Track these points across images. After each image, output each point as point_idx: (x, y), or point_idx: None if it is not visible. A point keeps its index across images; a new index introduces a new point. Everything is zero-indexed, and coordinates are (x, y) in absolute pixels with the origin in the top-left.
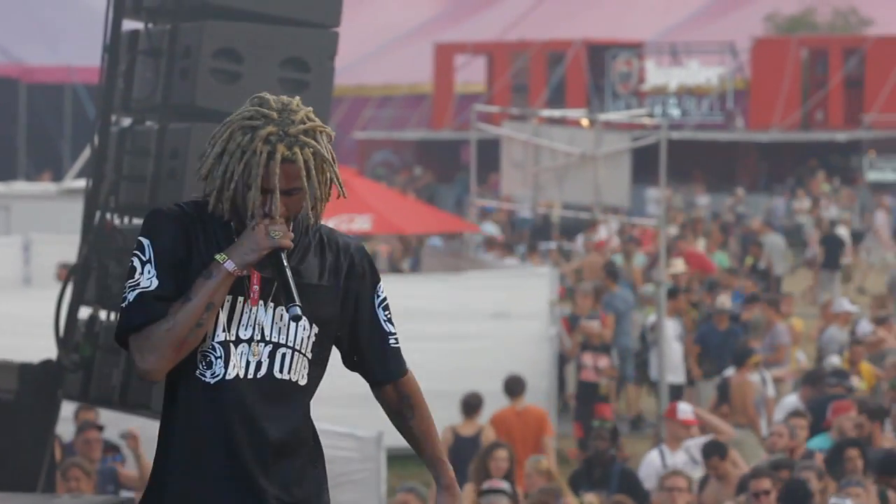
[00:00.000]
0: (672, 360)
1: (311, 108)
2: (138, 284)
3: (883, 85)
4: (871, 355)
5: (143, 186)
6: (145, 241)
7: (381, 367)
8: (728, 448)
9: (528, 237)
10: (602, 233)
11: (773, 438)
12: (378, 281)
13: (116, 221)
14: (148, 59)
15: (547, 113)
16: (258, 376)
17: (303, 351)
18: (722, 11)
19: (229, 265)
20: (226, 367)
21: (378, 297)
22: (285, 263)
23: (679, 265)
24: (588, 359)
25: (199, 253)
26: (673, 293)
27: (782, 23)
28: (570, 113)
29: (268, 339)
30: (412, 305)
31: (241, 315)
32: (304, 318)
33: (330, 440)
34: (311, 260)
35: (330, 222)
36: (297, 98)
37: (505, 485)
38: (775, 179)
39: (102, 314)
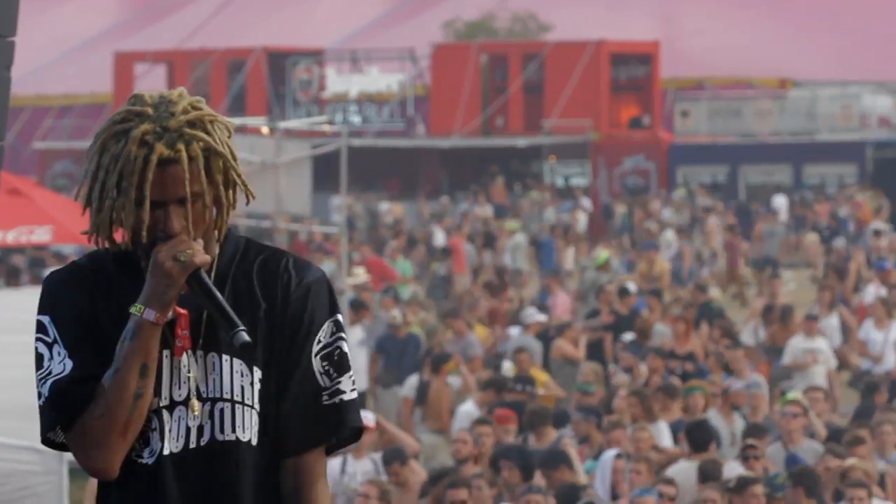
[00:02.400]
0: (354, 368)
1: (199, 98)
2: (49, 373)
3: (562, 90)
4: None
5: None
6: (44, 319)
7: (292, 433)
8: (408, 455)
9: None
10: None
11: (457, 445)
12: (331, 316)
13: None
14: None
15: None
16: (201, 444)
17: (247, 402)
18: (401, 18)
19: (149, 314)
20: (162, 441)
21: (320, 341)
22: (209, 284)
23: (360, 274)
24: None
25: (112, 315)
26: (357, 303)
27: (462, 29)
28: (251, 121)
29: (204, 394)
30: None
31: (172, 372)
32: (241, 364)
33: (10, 454)
34: (241, 287)
35: (9, 235)
36: (182, 88)
37: None
38: (457, 186)
39: None
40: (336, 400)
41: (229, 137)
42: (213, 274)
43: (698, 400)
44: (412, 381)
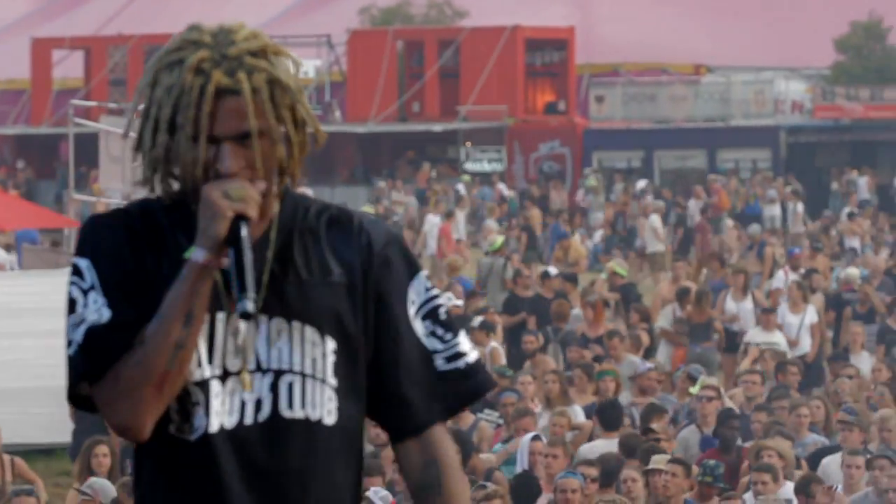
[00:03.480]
0: None
1: (259, 30)
2: (83, 320)
3: (478, 76)
4: None
5: None
6: (82, 263)
7: (413, 410)
8: None
9: None
10: None
11: (377, 430)
12: (416, 273)
13: None
14: None
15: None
16: (259, 420)
17: (319, 376)
18: (317, 4)
19: (197, 255)
20: (208, 417)
21: (414, 300)
22: (245, 236)
23: None
24: None
25: (160, 268)
26: None
27: (378, 15)
28: None
29: (265, 365)
30: (13, 302)
31: (225, 338)
32: (313, 332)
33: None
34: (309, 246)
35: None
36: (241, 22)
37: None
38: (373, 171)
39: None
40: (460, 364)
41: (295, 74)
42: (273, 230)
43: (609, 384)
44: None
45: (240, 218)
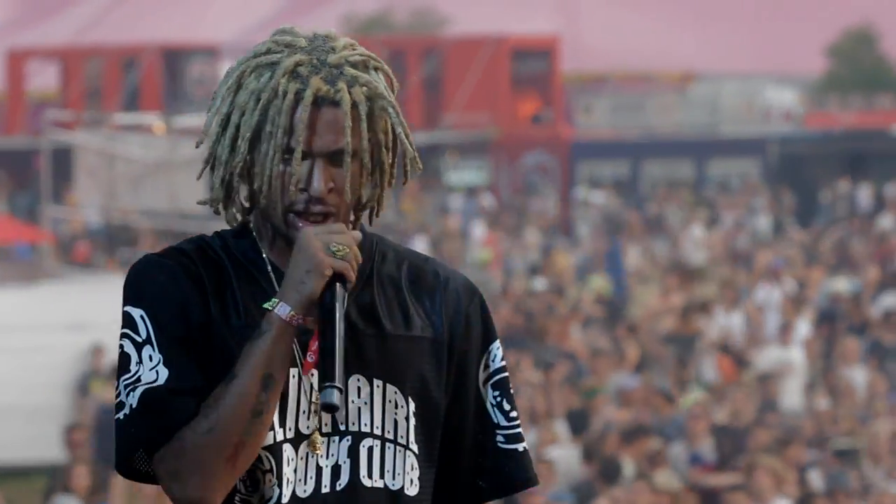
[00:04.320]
0: None
1: (355, 41)
2: (138, 380)
3: (461, 85)
4: None
5: None
6: (136, 312)
7: (462, 480)
8: None
9: (103, 246)
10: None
11: None
12: (493, 339)
13: None
14: None
15: (121, 119)
16: (337, 489)
17: (402, 441)
18: (298, 12)
19: (283, 310)
20: (281, 486)
21: (488, 366)
22: (338, 305)
23: None
24: None
25: (226, 316)
26: None
27: (360, 23)
28: (145, 119)
29: (343, 427)
30: None
31: (299, 396)
32: (395, 392)
33: None
34: (391, 297)
35: None
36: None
37: None
38: None
39: None
40: (518, 447)
41: (394, 94)
42: (360, 276)
43: (597, 403)
44: None
45: (336, 278)
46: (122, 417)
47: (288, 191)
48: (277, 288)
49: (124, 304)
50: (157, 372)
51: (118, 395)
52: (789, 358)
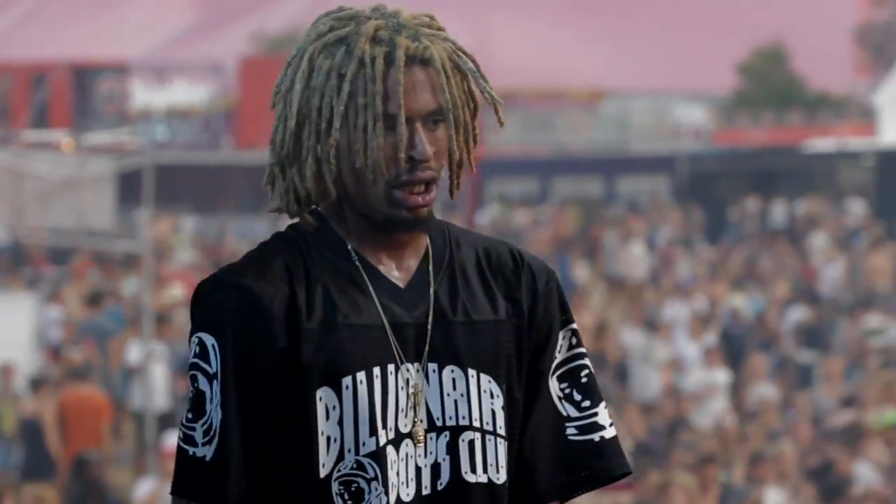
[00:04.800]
0: (155, 385)
1: None
2: (210, 427)
3: None
4: None
5: None
6: (209, 340)
7: (538, 477)
8: None
9: (9, 265)
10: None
11: None
12: (569, 322)
13: None
14: None
15: (30, 136)
16: (438, 489)
17: (499, 431)
18: (208, 30)
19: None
20: (387, 493)
21: (559, 352)
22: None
23: (177, 289)
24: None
25: (324, 311)
26: (161, 318)
27: (270, 42)
28: (54, 136)
29: (440, 422)
30: None
31: (397, 392)
32: (489, 381)
33: None
34: (473, 282)
35: None
36: None
37: None
38: (262, 201)
39: None
40: (595, 437)
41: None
42: (430, 261)
43: None
44: None
45: None
46: (191, 457)
47: (397, 160)
48: (369, 283)
49: (194, 328)
50: (224, 419)
51: (186, 434)
52: (714, 379)
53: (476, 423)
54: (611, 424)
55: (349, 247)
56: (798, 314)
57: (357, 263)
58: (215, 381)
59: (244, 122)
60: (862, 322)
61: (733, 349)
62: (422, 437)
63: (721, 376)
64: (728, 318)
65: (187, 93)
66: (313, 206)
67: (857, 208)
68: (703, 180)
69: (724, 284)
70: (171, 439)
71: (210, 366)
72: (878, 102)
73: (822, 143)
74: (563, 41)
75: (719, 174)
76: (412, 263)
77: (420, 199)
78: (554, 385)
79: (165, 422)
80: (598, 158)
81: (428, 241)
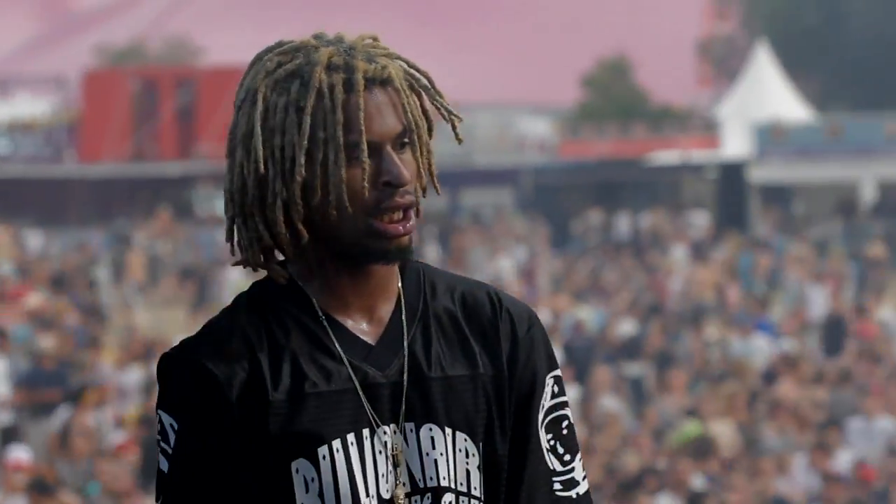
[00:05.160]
0: None
1: None
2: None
3: (215, 115)
4: None
5: None
6: (166, 419)
7: None
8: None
9: None
10: None
11: None
12: (553, 368)
13: None
14: None
15: None
16: None
17: (474, 493)
18: (51, 42)
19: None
20: None
21: (546, 400)
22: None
23: (35, 301)
24: None
25: (292, 380)
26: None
27: (113, 54)
28: None
29: (421, 483)
30: None
31: (374, 457)
32: (465, 440)
33: None
34: (449, 333)
35: None
36: None
37: None
38: (106, 215)
39: None
40: (572, 494)
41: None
42: (402, 309)
43: None
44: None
45: None
46: None
47: (365, 190)
48: (337, 344)
49: (158, 405)
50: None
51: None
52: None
53: (453, 485)
54: (584, 478)
55: (315, 304)
56: (629, 327)
57: (324, 323)
58: (173, 462)
59: (87, 136)
60: (705, 334)
61: (577, 362)
62: (402, 502)
63: (572, 393)
64: (570, 330)
65: (29, 106)
66: (280, 260)
67: (700, 220)
68: (548, 193)
69: (567, 297)
70: (15, 452)
71: (168, 445)
72: (720, 115)
73: (665, 156)
74: (404, 53)
75: (563, 186)
76: (384, 312)
77: (401, 227)
78: (543, 437)
79: (9, 435)
80: (442, 171)
81: (400, 285)
